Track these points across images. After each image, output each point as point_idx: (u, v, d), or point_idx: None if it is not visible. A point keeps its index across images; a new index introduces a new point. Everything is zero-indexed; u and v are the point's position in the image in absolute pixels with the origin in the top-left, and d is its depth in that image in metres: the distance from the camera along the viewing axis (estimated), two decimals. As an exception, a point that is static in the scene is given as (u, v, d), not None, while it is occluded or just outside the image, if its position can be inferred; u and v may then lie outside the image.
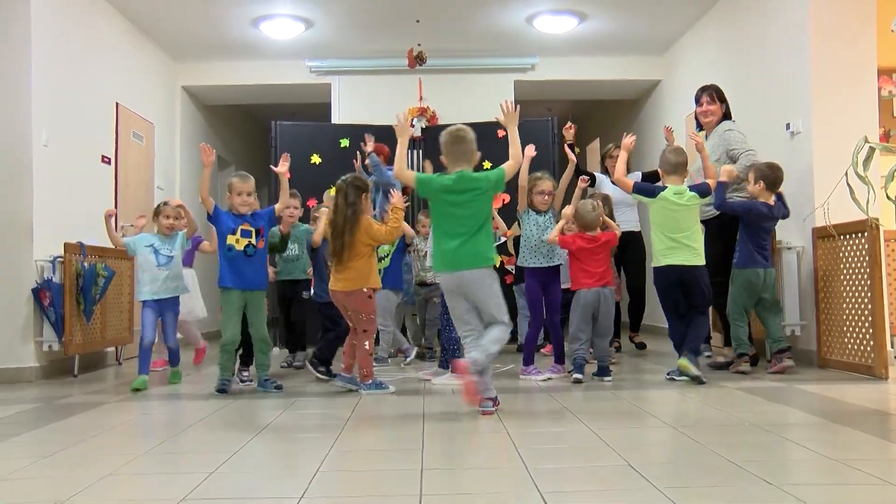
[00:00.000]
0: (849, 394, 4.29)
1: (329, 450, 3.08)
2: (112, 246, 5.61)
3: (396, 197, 4.88)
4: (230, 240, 4.76)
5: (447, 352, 5.35)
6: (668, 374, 5.04)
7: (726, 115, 5.78)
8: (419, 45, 8.07)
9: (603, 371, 5.05)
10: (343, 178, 4.90)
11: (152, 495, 2.51)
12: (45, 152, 5.90)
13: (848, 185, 3.59)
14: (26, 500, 2.45)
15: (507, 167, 4.23)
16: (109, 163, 7.04)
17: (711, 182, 5.03)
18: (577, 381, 4.85)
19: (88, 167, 6.65)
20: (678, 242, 4.90)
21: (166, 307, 5.30)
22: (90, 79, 6.76)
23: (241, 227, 4.79)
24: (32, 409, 4.36)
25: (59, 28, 6.21)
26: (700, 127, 5.86)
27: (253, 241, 4.80)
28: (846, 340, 5.19)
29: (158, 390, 5.05)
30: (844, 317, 5.20)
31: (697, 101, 5.83)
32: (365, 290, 4.78)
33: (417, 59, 8.01)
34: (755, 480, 2.47)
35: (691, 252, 4.91)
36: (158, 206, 5.54)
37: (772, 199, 5.17)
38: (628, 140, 5.21)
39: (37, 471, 2.86)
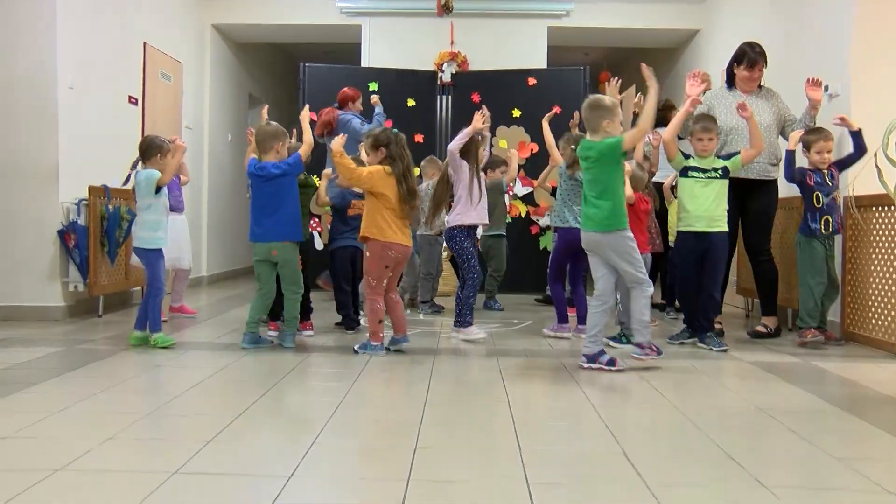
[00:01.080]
0: (868, 375, 4.20)
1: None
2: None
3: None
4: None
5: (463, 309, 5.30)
6: (669, 338, 5.10)
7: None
8: None
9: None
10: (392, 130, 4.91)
11: (147, 466, 2.53)
12: (71, 95, 5.89)
13: (876, 166, 3.42)
14: (23, 466, 2.48)
15: (628, 136, 4.20)
16: (136, 103, 7.02)
17: (753, 153, 4.92)
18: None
19: (115, 108, 6.65)
20: (707, 211, 4.86)
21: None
22: (118, 19, 6.70)
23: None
24: (54, 353, 4.42)
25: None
26: (731, 83, 5.59)
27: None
28: (870, 315, 5.07)
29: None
30: (870, 291, 5.07)
31: (754, 63, 5.47)
32: None
33: (445, 8, 7.81)
34: (745, 478, 2.43)
35: (717, 218, 4.85)
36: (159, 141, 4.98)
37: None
38: (691, 103, 5.07)
39: (41, 429, 2.90)
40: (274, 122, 4.95)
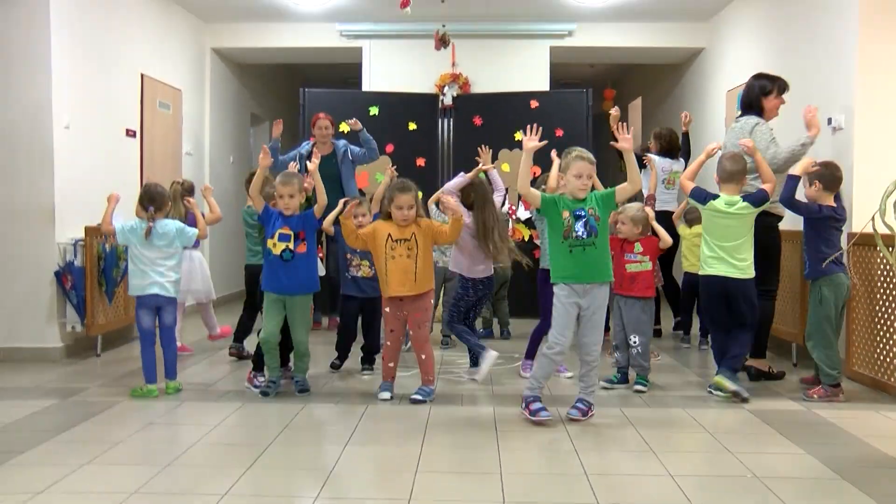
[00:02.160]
0: (871, 426, 4.16)
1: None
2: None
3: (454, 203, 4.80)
4: (269, 243, 4.71)
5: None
6: (709, 387, 4.93)
7: None
8: (444, 25, 7.83)
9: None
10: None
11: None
12: (66, 134, 5.89)
13: (874, 229, 3.36)
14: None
15: (619, 190, 4.24)
16: (135, 136, 7.02)
17: (768, 187, 4.80)
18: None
19: (113, 143, 6.63)
20: (725, 252, 4.73)
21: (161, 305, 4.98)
22: (114, 53, 6.70)
23: (279, 231, 4.71)
24: (42, 411, 4.39)
25: (79, 4, 6.10)
26: (759, 112, 5.45)
27: (291, 245, 4.69)
28: (875, 355, 5.01)
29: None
30: (875, 330, 5.01)
31: (784, 90, 5.38)
32: None
33: (442, 42, 7.78)
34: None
35: (736, 263, 4.73)
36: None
37: (832, 201, 4.85)
38: (712, 147, 5.08)
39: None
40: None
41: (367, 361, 5.42)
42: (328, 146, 6.90)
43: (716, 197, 4.78)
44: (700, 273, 4.90)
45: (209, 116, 8.89)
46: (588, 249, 4.13)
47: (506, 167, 8.18)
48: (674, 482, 3.26)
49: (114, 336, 6.30)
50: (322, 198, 4.77)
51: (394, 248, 4.68)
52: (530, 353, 5.27)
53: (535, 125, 4.26)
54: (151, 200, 4.81)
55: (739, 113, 5.54)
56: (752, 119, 5.24)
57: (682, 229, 6.56)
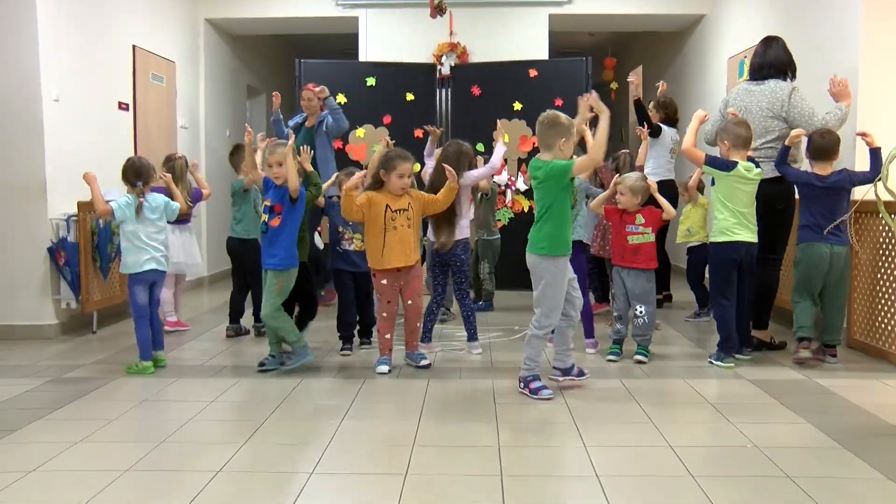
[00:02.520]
0: (871, 395, 4.12)
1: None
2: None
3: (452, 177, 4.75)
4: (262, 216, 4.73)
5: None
6: (709, 358, 4.89)
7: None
8: None
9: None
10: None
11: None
12: (57, 108, 5.80)
13: (876, 195, 3.29)
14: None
15: (577, 162, 4.07)
16: (127, 109, 6.93)
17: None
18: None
19: (105, 117, 6.55)
20: (746, 218, 4.73)
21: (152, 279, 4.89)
22: (104, 24, 6.58)
23: (264, 202, 4.69)
24: (35, 388, 4.35)
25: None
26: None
27: (266, 218, 4.65)
28: (877, 323, 4.96)
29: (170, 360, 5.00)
30: (876, 298, 4.95)
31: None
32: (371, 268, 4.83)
33: (438, 9, 7.62)
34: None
35: (754, 229, 4.77)
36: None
37: (827, 170, 4.76)
38: (701, 113, 5.06)
39: (15, 492, 2.86)
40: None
41: (364, 335, 5.36)
42: (316, 117, 6.85)
43: (736, 164, 4.71)
44: (719, 241, 4.79)
45: (204, 89, 8.78)
46: None
47: (505, 138, 8.06)
48: (673, 453, 3.22)
49: (109, 312, 6.24)
50: (293, 181, 4.59)
51: (394, 219, 4.66)
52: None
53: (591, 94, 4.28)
54: (138, 175, 4.74)
55: (746, 77, 5.44)
56: (784, 84, 5.15)
57: (702, 200, 6.26)
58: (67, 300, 5.76)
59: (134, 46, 7.03)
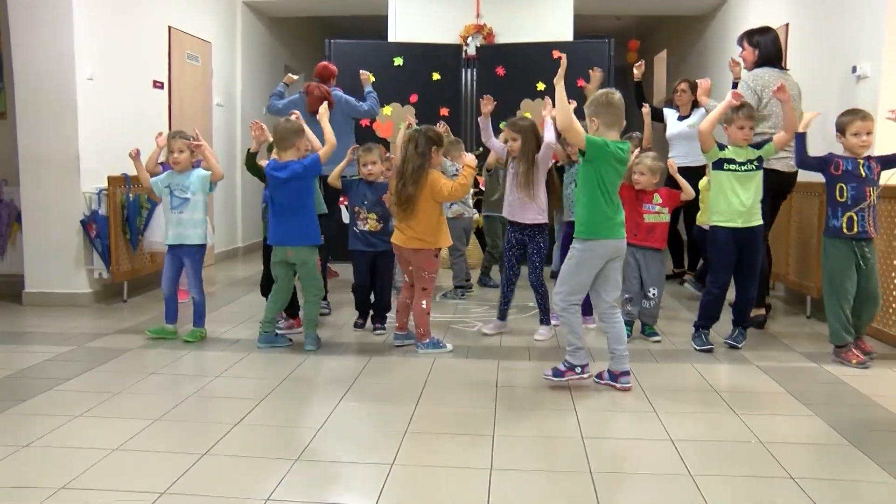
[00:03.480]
0: (884, 386, 3.74)
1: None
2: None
3: (469, 157, 4.37)
4: None
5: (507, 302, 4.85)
6: (725, 340, 4.54)
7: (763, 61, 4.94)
8: None
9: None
10: (417, 127, 4.41)
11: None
12: (90, 85, 5.58)
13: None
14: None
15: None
16: (162, 87, 6.69)
17: (783, 137, 4.31)
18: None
19: (139, 94, 6.32)
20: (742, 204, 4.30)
21: (185, 255, 4.55)
22: (140, 6, 6.34)
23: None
24: (57, 357, 4.17)
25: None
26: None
27: None
28: (891, 311, 4.56)
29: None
30: (892, 285, 4.55)
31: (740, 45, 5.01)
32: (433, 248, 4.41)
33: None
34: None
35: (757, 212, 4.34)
36: (172, 133, 4.68)
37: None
38: (734, 95, 4.34)
39: (10, 464, 2.66)
40: (294, 118, 4.57)
41: (379, 320, 4.86)
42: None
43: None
44: (717, 223, 4.38)
45: (241, 68, 8.51)
46: None
47: (527, 115, 7.71)
48: (673, 448, 2.91)
49: (141, 282, 6.06)
50: (331, 137, 4.35)
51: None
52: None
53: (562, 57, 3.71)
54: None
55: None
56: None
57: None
58: (99, 270, 5.59)
59: (170, 27, 6.77)
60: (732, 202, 4.29)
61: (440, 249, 4.44)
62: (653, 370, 4.02)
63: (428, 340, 4.37)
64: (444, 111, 7.80)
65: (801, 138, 4.24)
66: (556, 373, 3.67)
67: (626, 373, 3.67)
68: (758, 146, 4.33)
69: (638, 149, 4.81)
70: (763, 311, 5.01)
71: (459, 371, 4.00)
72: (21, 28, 5.43)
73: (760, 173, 4.32)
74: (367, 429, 3.16)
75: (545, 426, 3.19)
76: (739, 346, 4.41)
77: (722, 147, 4.33)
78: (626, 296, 4.69)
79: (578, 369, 3.66)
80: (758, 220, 4.34)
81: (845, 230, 4.10)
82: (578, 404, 3.42)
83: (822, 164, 4.21)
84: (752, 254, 4.37)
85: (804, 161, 4.27)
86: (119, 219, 5.62)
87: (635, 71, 6.50)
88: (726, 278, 4.44)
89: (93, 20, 5.63)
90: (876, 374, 3.95)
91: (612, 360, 3.69)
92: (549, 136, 4.53)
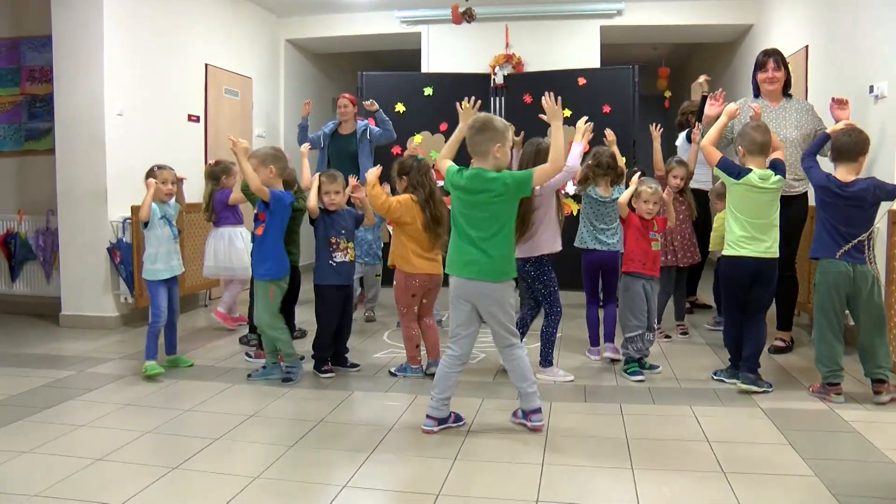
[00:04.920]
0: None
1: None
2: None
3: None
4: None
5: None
6: (713, 374, 3.98)
7: (788, 84, 4.36)
8: (467, 0, 6.80)
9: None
10: (416, 157, 4.12)
11: None
12: (120, 122, 5.37)
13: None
14: None
15: (539, 171, 3.08)
16: (198, 121, 6.44)
17: (779, 154, 3.76)
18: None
19: (173, 128, 6.05)
20: (759, 231, 3.67)
21: (173, 284, 4.17)
22: (176, 45, 6.11)
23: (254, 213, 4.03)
24: (49, 383, 3.86)
25: (133, 7, 5.52)
26: (757, 93, 4.44)
27: (253, 227, 4.05)
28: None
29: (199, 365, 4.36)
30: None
31: (762, 66, 4.37)
32: None
33: (465, 16, 6.77)
34: None
35: (771, 242, 3.69)
36: (152, 168, 4.18)
37: (850, 175, 3.56)
38: (733, 108, 3.89)
39: None
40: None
41: (344, 361, 4.19)
42: (350, 125, 6.18)
43: (749, 171, 3.67)
44: (727, 254, 3.78)
45: (284, 101, 8.24)
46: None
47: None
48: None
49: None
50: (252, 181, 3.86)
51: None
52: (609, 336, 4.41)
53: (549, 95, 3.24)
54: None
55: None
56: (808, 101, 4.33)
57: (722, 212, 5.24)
58: (125, 295, 5.33)
59: (206, 65, 6.53)
60: (749, 228, 3.75)
61: None
62: (645, 413, 3.43)
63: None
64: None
65: (824, 138, 3.82)
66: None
67: (537, 410, 3.14)
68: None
69: (638, 173, 4.22)
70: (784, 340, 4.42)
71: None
72: (62, 68, 5.29)
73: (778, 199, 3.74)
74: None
75: (498, 487, 2.66)
76: (760, 388, 3.73)
77: (732, 169, 3.75)
78: (639, 332, 4.02)
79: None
80: (774, 252, 3.73)
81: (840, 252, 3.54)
82: (548, 456, 2.88)
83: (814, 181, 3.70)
84: (769, 284, 3.77)
85: (806, 158, 3.83)
86: (142, 246, 5.34)
87: (702, 83, 5.75)
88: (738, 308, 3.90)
89: (125, 60, 5.43)
90: (893, 422, 3.27)
91: (522, 399, 3.17)
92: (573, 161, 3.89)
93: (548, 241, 3.91)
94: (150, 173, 4.11)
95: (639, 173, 4.20)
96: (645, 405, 3.54)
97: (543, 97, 3.23)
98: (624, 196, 4.11)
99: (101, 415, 3.37)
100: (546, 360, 4.04)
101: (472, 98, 3.41)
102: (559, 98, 3.24)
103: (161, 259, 4.05)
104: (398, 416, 3.37)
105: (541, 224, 3.89)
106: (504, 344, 3.14)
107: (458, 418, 3.20)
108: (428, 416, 3.15)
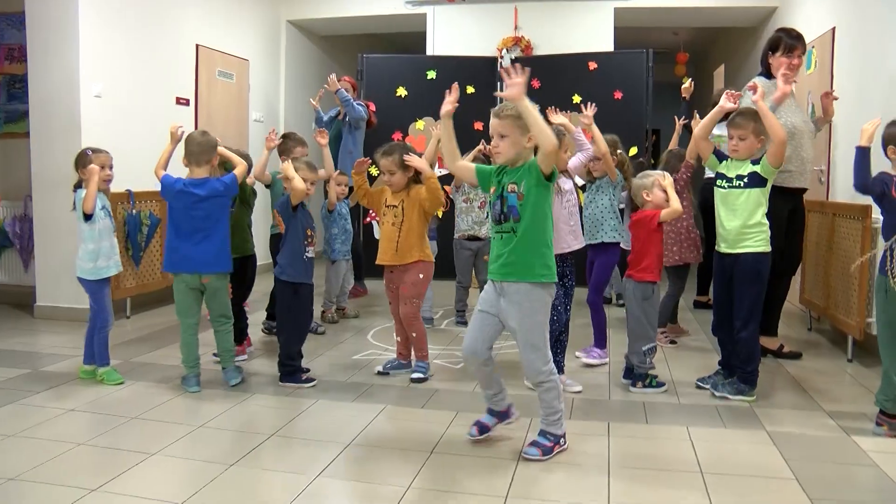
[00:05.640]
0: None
1: None
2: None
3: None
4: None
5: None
6: (697, 381, 3.65)
7: None
8: None
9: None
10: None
11: None
12: (97, 104, 5.08)
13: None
14: None
15: (541, 158, 2.64)
16: (187, 104, 6.14)
17: (771, 148, 3.27)
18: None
19: (159, 111, 5.74)
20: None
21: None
22: (163, 26, 5.83)
23: None
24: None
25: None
26: (768, 76, 3.99)
27: None
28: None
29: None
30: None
31: (790, 50, 3.91)
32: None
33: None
34: None
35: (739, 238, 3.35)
36: (84, 153, 3.69)
37: None
38: (727, 97, 3.37)
39: None
40: (208, 133, 3.77)
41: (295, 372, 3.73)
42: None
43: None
44: (765, 251, 3.37)
45: (284, 84, 7.91)
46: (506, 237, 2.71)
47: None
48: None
49: (150, 298, 5.50)
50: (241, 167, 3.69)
51: (385, 214, 3.79)
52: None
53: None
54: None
55: (813, 69, 4.05)
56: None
57: None
58: (102, 286, 5.05)
59: (197, 45, 6.22)
60: (718, 223, 3.40)
61: None
62: (638, 433, 3.06)
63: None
64: (478, 125, 6.95)
65: (863, 155, 3.05)
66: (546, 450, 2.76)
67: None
68: (757, 161, 3.32)
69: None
70: (776, 343, 4.04)
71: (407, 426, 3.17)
72: (35, 46, 5.01)
73: (751, 193, 3.30)
74: None
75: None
76: (717, 392, 3.45)
77: (721, 158, 3.38)
78: (651, 345, 3.62)
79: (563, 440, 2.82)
80: (747, 247, 3.33)
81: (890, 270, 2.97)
82: (516, 484, 2.53)
83: (881, 186, 3.02)
84: (739, 287, 3.37)
85: (864, 184, 3.06)
86: (121, 235, 5.07)
87: (683, 89, 5.43)
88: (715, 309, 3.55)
89: (105, 38, 5.14)
90: (916, 453, 2.87)
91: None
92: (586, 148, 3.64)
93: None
94: (84, 159, 3.64)
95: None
96: (634, 425, 3.16)
97: (504, 67, 2.77)
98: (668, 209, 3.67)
99: (37, 422, 3.08)
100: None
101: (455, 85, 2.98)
102: (526, 69, 2.71)
103: (104, 254, 3.64)
104: (365, 426, 3.04)
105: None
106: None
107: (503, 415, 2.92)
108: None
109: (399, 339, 3.91)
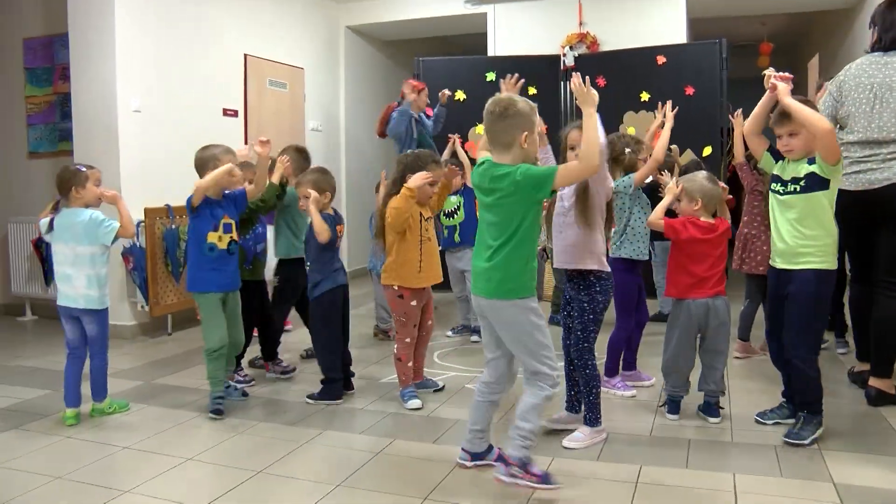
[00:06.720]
0: None
1: None
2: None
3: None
4: (211, 237, 3.46)
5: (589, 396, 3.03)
6: (756, 416, 3.17)
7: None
8: None
9: (709, 408, 3.22)
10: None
11: None
12: (136, 118, 5.08)
13: None
14: None
15: (565, 170, 2.41)
16: (235, 115, 6.08)
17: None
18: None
19: (204, 124, 5.66)
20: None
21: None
22: (208, 37, 5.78)
23: (222, 222, 3.50)
24: (5, 409, 3.57)
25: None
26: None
27: (234, 235, 3.52)
28: None
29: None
30: None
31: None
32: (395, 287, 3.44)
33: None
34: None
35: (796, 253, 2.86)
36: (82, 172, 3.40)
37: None
38: (771, 87, 2.83)
39: None
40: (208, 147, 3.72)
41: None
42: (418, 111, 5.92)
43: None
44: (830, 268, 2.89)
45: (344, 92, 7.77)
46: None
47: (631, 130, 6.28)
48: None
49: (186, 315, 5.43)
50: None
51: (427, 229, 3.51)
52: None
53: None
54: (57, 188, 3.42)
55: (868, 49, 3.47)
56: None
57: None
58: (140, 303, 5.03)
59: (245, 55, 6.16)
60: (774, 234, 2.89)
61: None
62: (671, 480, 2.62)
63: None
64: (543, 128, 6.56)
65: None
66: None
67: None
68: (814, 160, 2.80)
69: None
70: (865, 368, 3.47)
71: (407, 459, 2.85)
72: (77, 66, 5.08)
73: (810, 198, 2.78)
74: None
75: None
76: (806, 441, 2.87)
77: (778, 157, 2.89)
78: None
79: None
80: (805, 263, 2.81)
81: None
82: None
83: None
84: (793, 310, 2.85)
85: None
86: (160, 251, 5.02)
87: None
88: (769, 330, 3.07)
89: (143, 53, 5.14)
90: None
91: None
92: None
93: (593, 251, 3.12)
94: (79, 176, 3.37)
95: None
96: (674, 469, 2.71)
97: (572, 79, 2.46)
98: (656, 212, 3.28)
99: (28, 451, 2.97)
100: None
101: (515, 75, 2.97)
102: (586, 79, 2.50)
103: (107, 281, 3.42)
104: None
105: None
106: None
107: (500, 458, 2.56)
108: (462, 449, 2.69)
109: (412, 364, 3.57)
